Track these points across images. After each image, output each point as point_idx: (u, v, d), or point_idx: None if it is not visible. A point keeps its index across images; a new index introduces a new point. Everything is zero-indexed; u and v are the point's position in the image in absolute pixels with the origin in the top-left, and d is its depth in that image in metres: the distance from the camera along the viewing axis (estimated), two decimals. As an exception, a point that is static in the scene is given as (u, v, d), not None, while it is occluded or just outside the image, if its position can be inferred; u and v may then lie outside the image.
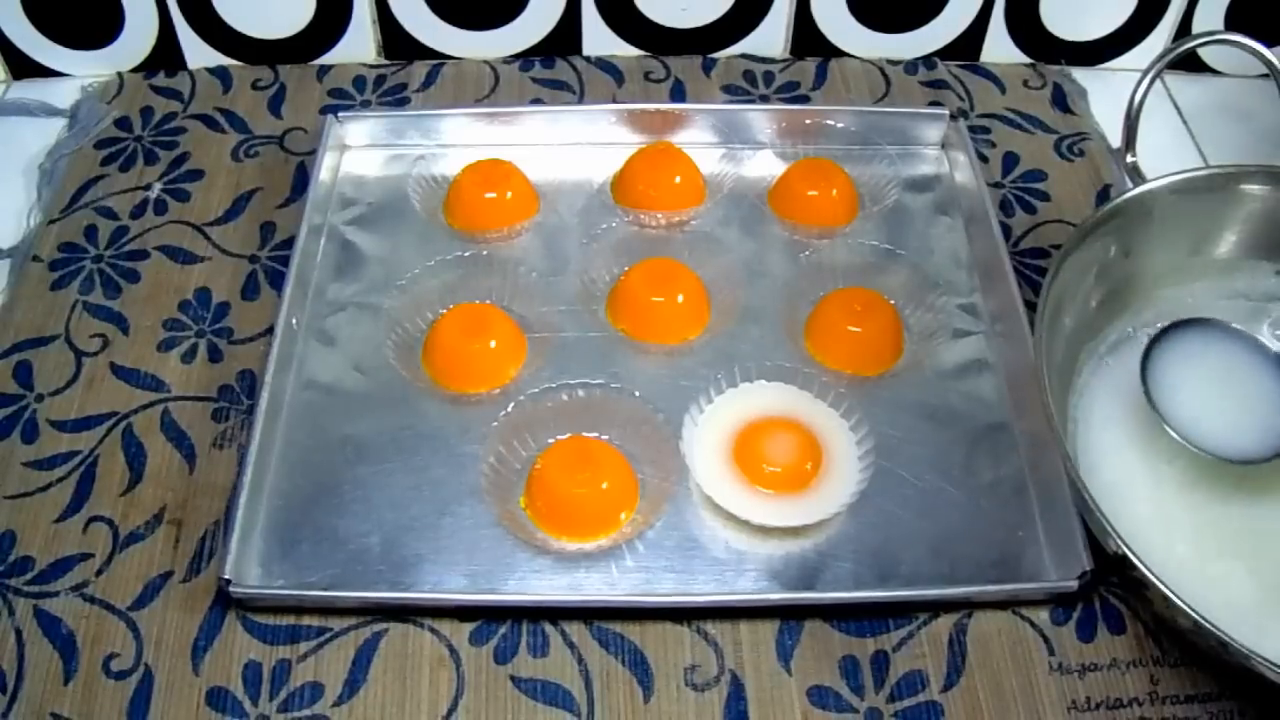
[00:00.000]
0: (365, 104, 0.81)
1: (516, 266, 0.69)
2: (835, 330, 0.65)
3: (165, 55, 0.82)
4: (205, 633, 0.54)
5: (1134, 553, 0.48)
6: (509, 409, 0.61)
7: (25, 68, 0.82)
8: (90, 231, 0.71)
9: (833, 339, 0.65)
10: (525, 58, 0.84)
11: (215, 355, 0.65)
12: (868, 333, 0.64)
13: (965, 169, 0.73)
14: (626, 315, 0.66)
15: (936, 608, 0.55)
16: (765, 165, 0.75)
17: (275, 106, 0.80)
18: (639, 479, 0.59)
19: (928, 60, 0.85)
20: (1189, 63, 0.84)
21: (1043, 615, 0.55)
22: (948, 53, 0.85)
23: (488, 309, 0.65)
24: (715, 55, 0.85)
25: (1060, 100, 0.82)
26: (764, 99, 0.82)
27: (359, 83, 0.82)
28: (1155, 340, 0.58)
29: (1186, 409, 0.57)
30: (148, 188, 0.74)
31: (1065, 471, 0.54)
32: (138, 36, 0.81)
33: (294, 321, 0.65)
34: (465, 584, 0.55)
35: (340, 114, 0.75)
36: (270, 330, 0.64)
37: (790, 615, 0.55)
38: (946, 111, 0.76)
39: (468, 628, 0.54)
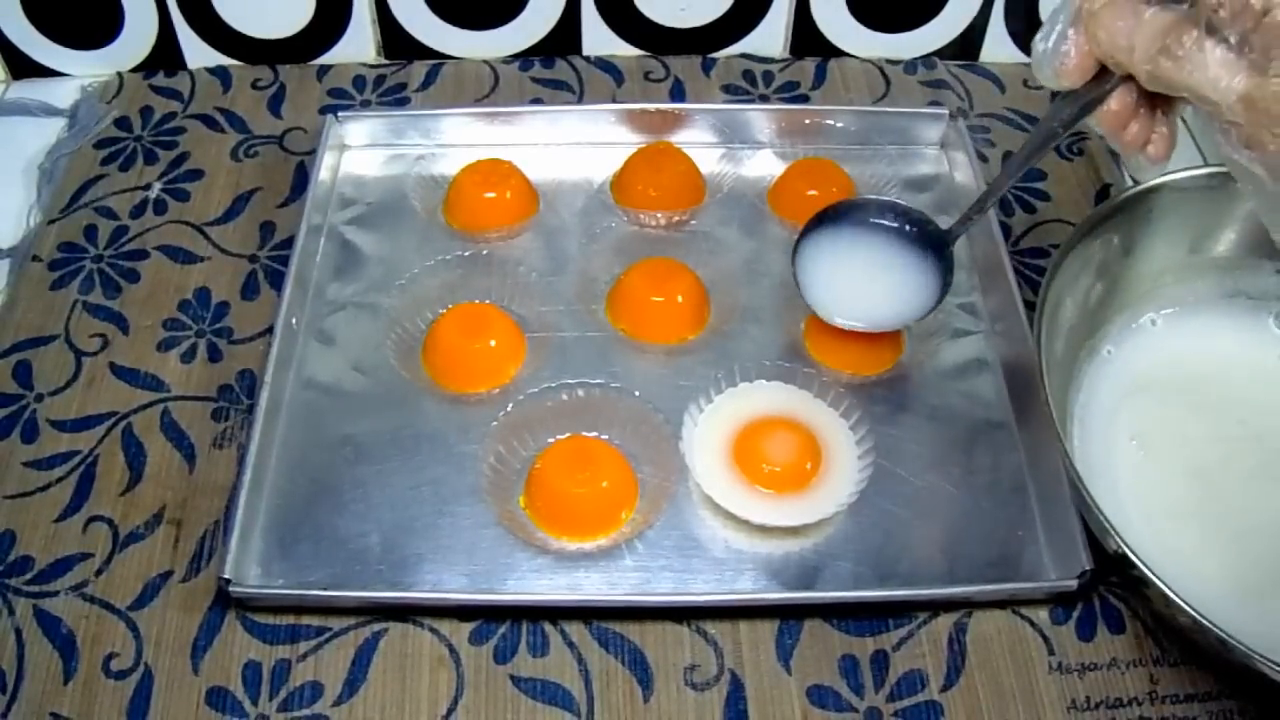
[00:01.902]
0: (365, 104, 0.81)
1: (516, 266, 0.69)
2: (835, 330, 0.65)
3: (165, 55, 0.82)
4: (205, 632, 0.54)
5: (1134, 551, 0.48)
6: (508, 408, 0.61)
7: (25, 67, 0.82)
8: (90, 231, 0.71)
9: (832, 338, 0.65)
10: (525, 57, 0.84)
11: (215, 355, 0.65)
12: (867, 332, 0.64)
13: (965, 168, 0.73)
14: (626, 315, 0.66)
15: (936, 607, 0.55)
16: (765, 165, 0.75)
17: (275, 106, 0.80)
18: (638, 478, 0.59)
19: (927, 60, 0.85)
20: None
21: (1042, 615, 0.55)
22: (947, 52, 0.85)
23: (487, 309, 0.65)
24: (715, 55, 0.85)
25: (1060, 99, 0.82)
26: (763, 99, 0.82)
27: (359, 82, 0.82)
28: (801, 239, 0.64)
29: (833, 295, 0.63)
30: (147, 187, 0.74)
31: (1065, 470, 0.54)
32: (137, 36, 0.81)
33: (294, 321, 0.65)
34: (465, 583, 0.55)
35: (340, 114, 0.75)
36: (270, 330, 0.64)
37: (790, 615, 0.55)
38: (946, 111, 0.76)
39: (467, 627, 0.54)
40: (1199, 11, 0.42)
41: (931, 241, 0.63)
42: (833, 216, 0.64)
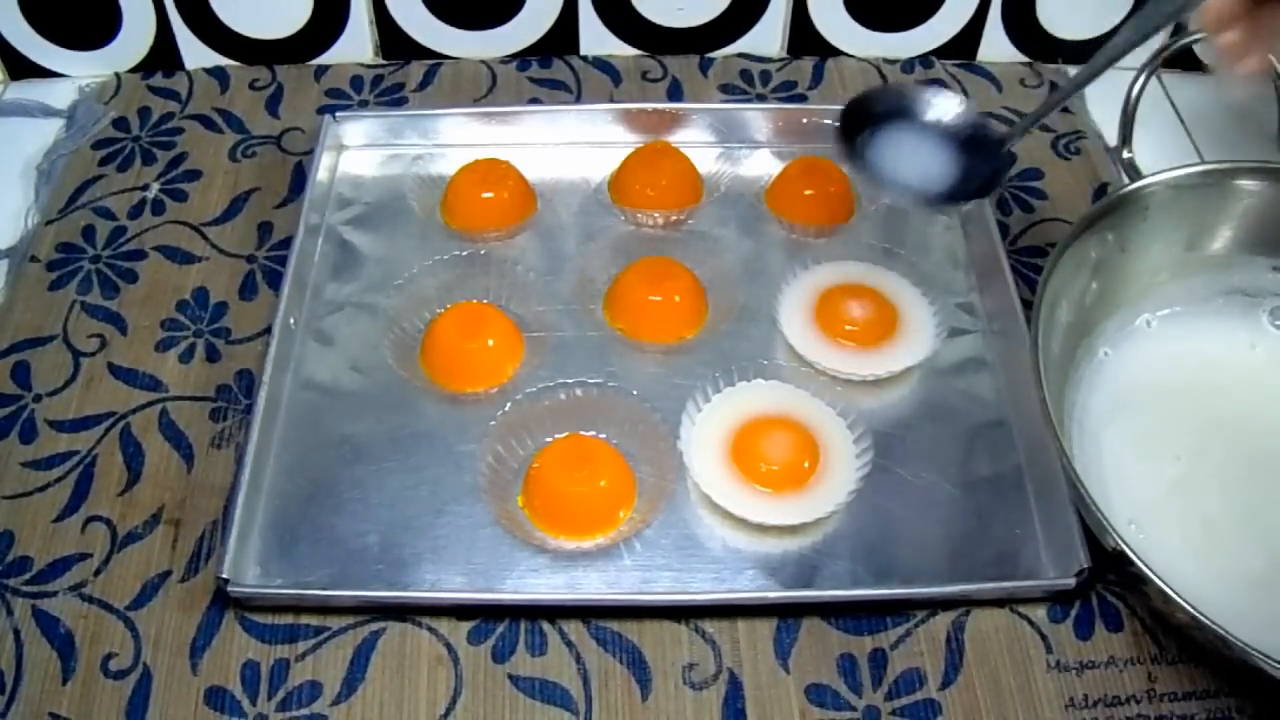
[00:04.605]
0: (363, 104, 0.81)
1: (514, 266, 0.69)
2: (833, 329, 0.65)
3: (163, 55, 0.82)
4: (204, 632, 0.54)
5: (1132, 549, 0.48)
6: (506, 408, 0.61)
7: (23, 68, 0.82)
8: (88, 232, 0.71)
9: (830, 337, 0.65)
10: (522, 57, 0.84)
11: (213, 355, 0.65)
12: (864, 331, 0.64)
13: (962, 167, 0.73)
14: (624, 314, 0.66)
15: (934, 605, 0.55)
16: (762, 164, 0.75)
17: (273, 107, 0.80)
18: (637, 478, 0.59)
19: (925, 59, 0.85)
20: (1185, 61, 0.84)
21: (1040, 613, 0.55)
22: (944, 52, 0.85)
23: (485, 308, 0.65)
24: (712, 55, 0.85)
25: (1057, 99, 0.82)
26: (761, 98, 0.82)
27: (356, 83, 0.82)
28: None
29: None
30: (145, 188, 0.74)
31: (1062, 468, 0.54)
32: (135, 37, 0.81)
33: (292, 321, 0.65)
34: (463, 583, 0.55)
35: (338, 114, 0.75)
36: (268, 330, 0.64)
37: (788, 613, 0.55)
38: (943, 110, 0.76)
39: (466, 626, 0.54)
40: None
41: (982, 144, 0.62)
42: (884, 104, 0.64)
